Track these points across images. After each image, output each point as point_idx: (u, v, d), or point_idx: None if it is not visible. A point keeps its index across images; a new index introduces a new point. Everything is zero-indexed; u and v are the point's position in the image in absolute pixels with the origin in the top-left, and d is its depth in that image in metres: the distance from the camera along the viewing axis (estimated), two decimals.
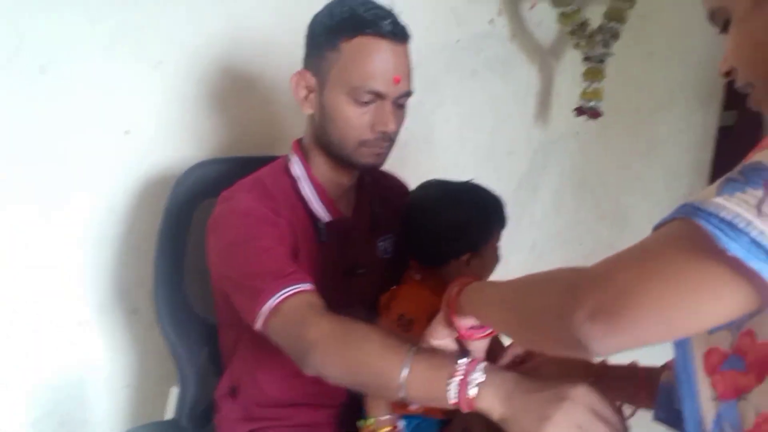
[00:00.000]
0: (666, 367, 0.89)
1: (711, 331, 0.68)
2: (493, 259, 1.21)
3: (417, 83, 1.08)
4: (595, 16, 1.76)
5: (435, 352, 0.86)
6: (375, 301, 1.21)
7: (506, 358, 0.95)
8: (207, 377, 1.22)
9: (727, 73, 0.73)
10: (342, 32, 1.01)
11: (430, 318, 0.91)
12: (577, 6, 1.68)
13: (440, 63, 1.69)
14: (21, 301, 1.18)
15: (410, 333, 1.07)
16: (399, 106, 1.07)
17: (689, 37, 2.21)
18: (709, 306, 0.57)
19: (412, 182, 1.29)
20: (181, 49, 1.27)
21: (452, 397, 0.77)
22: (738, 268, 0.53)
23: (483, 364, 0.78)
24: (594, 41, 1.71)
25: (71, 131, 1.18)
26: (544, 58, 1.92)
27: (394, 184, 1.31)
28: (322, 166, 1.12)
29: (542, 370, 0.92)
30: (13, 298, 1.18)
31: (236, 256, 0.99)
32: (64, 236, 1.21)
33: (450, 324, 0.85)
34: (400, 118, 1.09)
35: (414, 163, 1.67)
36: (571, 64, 1.87)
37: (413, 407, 0.98)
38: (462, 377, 0.77)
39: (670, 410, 0.84)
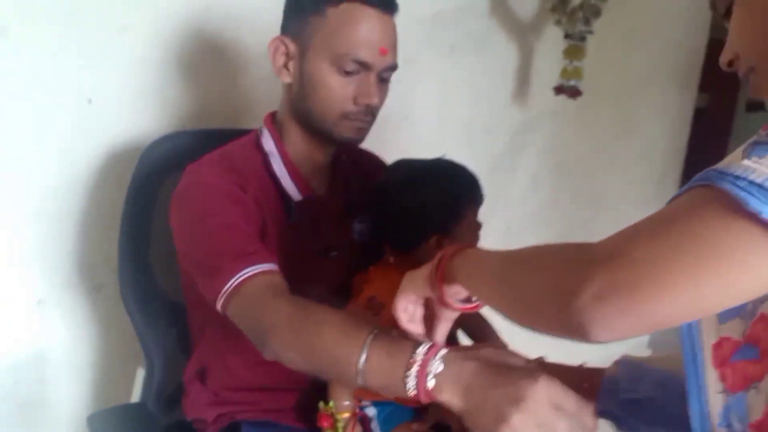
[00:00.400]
0: (615, 363, 0.87)
1: (722, 320, 0.64)
2: (470, 240, 1.18)
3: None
4: None
5: (394, 337, 0.80)
6: (347, 284, 1.18)
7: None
8: (175, 359, 1.19)
9: (730, 64, 0.71)
10: None
11: None
12: None
13: (418, 37, 1.65)
14: None
15: (380, 316, 1.04)
16: (383, 80, 1.05)
17: (668, 18, 2.20)
18: (743, 277, 0.51)
19: (389, 160, 1.25)
20: (147, 15, 1.21)
21: (411, 388, 0.73)
22: None
23: (442, 352, 0.74)
24: (575, 18, 1.69)
25: (30, 98, 1.12)
26: (524, 34, 1.89)
27: (372, 163, 1.27)
28: (296, 140, 1.08)
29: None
30: None
31: (197, 233, 0.96)
32: (21, 210, 1.16)
33: (434, 288, 0.79)
34: (383, 93, 1.06)
35: (391, 141, 1.63)
36: (551, 42, 1.84)
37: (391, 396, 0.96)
38: (420, 367, 0.73)
39: (612, 403, 0.82)
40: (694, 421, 0.66)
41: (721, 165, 0.53)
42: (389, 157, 1.27)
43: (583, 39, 1.72)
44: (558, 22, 1.71)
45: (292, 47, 1.03)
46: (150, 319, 1.15)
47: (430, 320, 0.84)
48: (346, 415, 0.99)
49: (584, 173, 2.28)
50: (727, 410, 0.64)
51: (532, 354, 0.86)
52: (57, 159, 1.18)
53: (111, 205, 1.20)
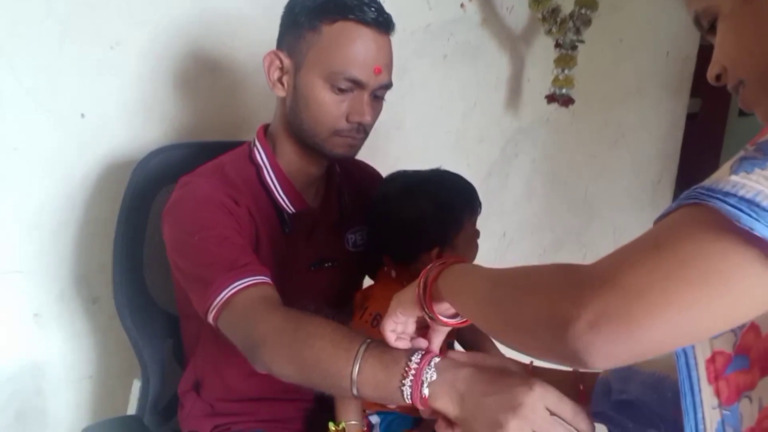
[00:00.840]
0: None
1: (714, 335, 0.63)
2: (470, 248, 1.17)
3: None
4: (566, 3, 1.75)
5: (386, 347, 0.79)
6: (343, 296, 1.18)
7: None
8: (170, 371, 1.19)
9: (717, 78, 0.71)
10: (324, 14, 0.97)
11: None
12: None
13: (411, 48, 1.67)
14: None
15: None
16: (377, 97, 1.04)
17: (658, 25, 2.22)
18: (739, 299, 0.50)
19: (382, 170, 1.26)
20: (141, 29, 1.22)
21: (406, 397, 0.74)
22: (766, 250, 0.47)
23: (436, 360, 0.75)
24: (565, 28, 1.70)
25: (25, 114, 1.13)
26: (515, 44, 1.90)
27: (366, 174, 1.27)
28: (289, 153, 1.08)
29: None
30: None
31: (189, 245, 0.96)
32: (16, 223, 1.16)
33: (423, 309, 0.78)
34: (377, 110, 1.05)
35: (384, 151, 1.64)
36: (543, 51, 1.86)
37: (391, 405, 0.96)
38: (414, 376, 0.74)
39: (605, 405, 0.81)
40: None
41: (708, 182, 0.52)
42: (383, 166, 1.28)
43: (574, 48, 1.73)
44: (549, 32, 1.73)
45: (286, 62, 1.03)
46: (145, 331, 1.15)
47: (422, 333, 0.83)
48: None
49: (577, 180, 2.29)
50: (721, 424, 0.63)
51: (526, 358, 0.87)
52: (51, 173, 1.18)
53: (106, 218, 1.20)
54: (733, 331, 0.62)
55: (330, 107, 1.00)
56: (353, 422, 0.99)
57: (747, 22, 0.64)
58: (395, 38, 1.05)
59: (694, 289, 0.49)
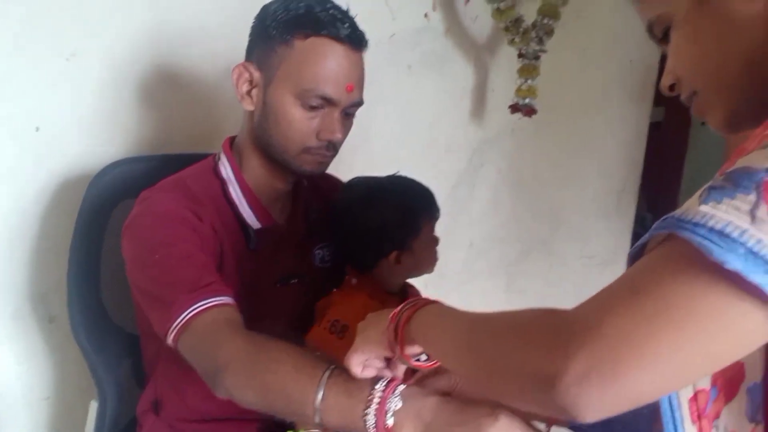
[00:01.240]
0: None
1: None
2: (428, 254, 1.18)
3: None
4: (529, 13, 1.76)
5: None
6: (310, 313, 1.16)
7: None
8: (129, 391, 1.17)
9: (671, 88, 0.71)
10: (297, 28, 0.96)
11: None
12: (512, 2, 1.68)
13: (376, 58, 1.65)
14: None
15: (344, 339, 1.03)
16: (347, 115, 1.03)
17: (621, 34, 2.25)
18: (726, 335, 0.48)
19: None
20: (98, 40, 1.19)
21: (370, 426, 0.72)
22: (742, 284, 0.46)
23: (401, 388, 0.74)
24: (528, 38, 1.71)
25: None
26: (480, 54, 1.91)
27: (334, 187, 1.26)
28: (256, 168, 1.06)
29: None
30: None
31: (150, 263, 0.93)
32: None
33: (393, 353, 0.75)
34: (347, 128, 1.04)
35: (349, 162, 1.63)
36: (507, 61, 1.87)
37: None
38: (378, 405, 0.72)
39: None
40: None
41: (679, 211, 0.51)
42: (348, 177, 1.26)
43: (537, 58, 1.74)
44: (512, 42, 1.74)
45: (256, 75, 1.01)
46: (102, 351, 1.12)
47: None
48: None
49: (543, 189, 2.30)
50: None
51: None
52: (5, 187, 1.14)
53: (63, 234, 1.17)
54: None
55: (300, 124, 0.99)
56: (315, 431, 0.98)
57: (699, 29, 0.64)
58: None
59: (679, 332, 0.48)
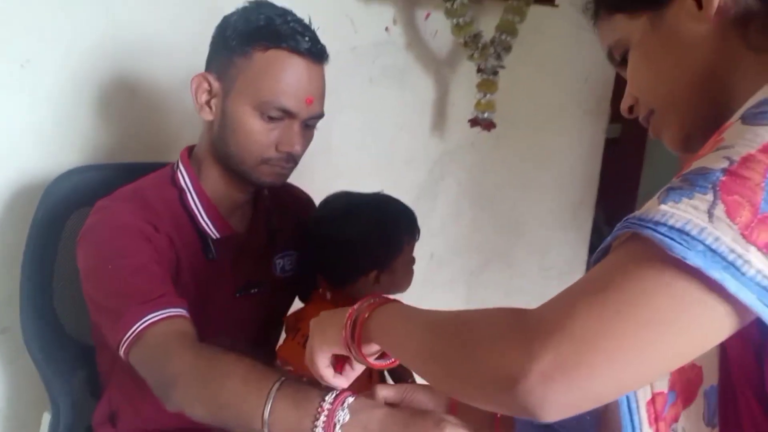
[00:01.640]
0: None
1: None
2: (406, 275, 1.19)
3: None
4: (488, 29, 1.80)
5: (300, 386, 0.78)
6: (270, 322, 1.16)
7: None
8: (82, 402, 1.14)
9: (630, 110, 0.73)
10: (257, 40, 0.96)
11: None
12: (470, 18, 1.71)
13: (337, 70, 1.66)
14: None
15: None
16: (308, 126, 1.03)
17: (577, 52, 2.30)
18: (689, 330, 0.49)
19: (310, 192, 1.25)
20: (53, 47, 1.18)
21: None
22: (702, 279, 0.47)
23: (349, 400, 0.74)
24: (487, 53, 1.74)
25: None
26: (440, 68, 1.94)
27: (296, 197, 1.26)
28: (215, 178, 1.06)
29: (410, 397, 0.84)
30: None
31: (104, 273, 0.92)
32: None
33: (350, 351, 0.74)
34: (307, 140, 1.04)
35: (310, 173, 1.63)
36: (466, 75, 1.90)
37: None
38: (327, 418, 0.72)
39: (528, 428, 0.82)
40: None
41: (640, 212, 0.52)
42: (310, 188, 1.27)
43: (495, 73, 1.77)
44: (471, 57, 1.77)
45: (215, 85, 1.00)
46: (55, 362, 1.10)
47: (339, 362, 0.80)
48: None
49: (503, 201, 2.34)
50: None
51: None
52: None
53: (15, 244, 1.15)
54: None
55: (259, 136, 0.98)
56: None
57: (653, 50, 0.67)
58: None
59: (643, 328, 0.49)
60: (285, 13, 0.99)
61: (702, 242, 0.47)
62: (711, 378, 0.68)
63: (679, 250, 0.47)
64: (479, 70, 1.78)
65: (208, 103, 1.01)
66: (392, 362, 0.77)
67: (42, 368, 1.10)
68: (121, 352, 0.88)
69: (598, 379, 0.50)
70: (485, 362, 0.55)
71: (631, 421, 0.63)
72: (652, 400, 0.64)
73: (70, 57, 1.20)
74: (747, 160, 0.49)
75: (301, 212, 1.23)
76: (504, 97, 1.86)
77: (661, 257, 0.48)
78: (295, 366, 1.06)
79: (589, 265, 0.57)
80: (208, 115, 1.02)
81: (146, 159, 1.28)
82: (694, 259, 0.47)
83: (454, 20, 1.70)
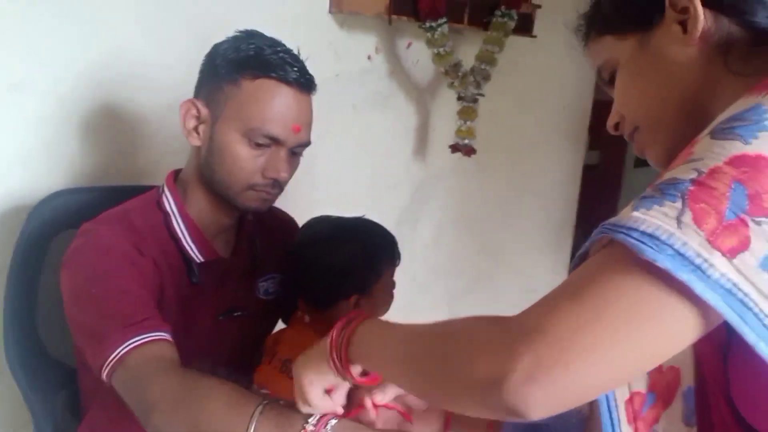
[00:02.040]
0: None
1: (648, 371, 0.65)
2: (386, 299, 1.19)
3: None
4: (468, 58, 1.84)
5: (282, 409, 0.77)
6: (253, 344, 1.16)
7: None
8: (65, 423, 1.13)
9: (616, 128, 0.76)
10: (245, 69, 0.98)
11: None
12: (450, 48, 1.75)
13: (321, 96, 1.70)
14: None
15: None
16: (294, 153, 1.05)
17: (555, 80, 2.36)
18: (661, 330, 0.52)
19: (294, 215, 1.26)
20: (41, 70, 1.20)
21: None
22: (671, 282, 0.50)
23: (332, 423, 0.75)
24: (467, 82, 1.78)
25: None
26: (422, 95, 1.98)
27: (280, 220, 1.27)
28: (200, 202, 1.07)
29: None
30: None
31: (87, 296, 0.92)
32: None
33: (339, 374, 0.74)
34: (293, 167, 1.06)
35: (294, 197, 1.65)
36: (447, 103, 1.94)
37: None
38: None
39: (515, 428, 0.83)
40: None
41: (614, 218, 0.55)
42: (294, 212, 1.28)
43: (475, 101, 1.81)
44: (451, 85, 1.81)
45: (204, 111, 1.02)
46: (38, 383, 1.10)
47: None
48: None
49: (484, 226, 2.36)
50: None
51: None
52: None
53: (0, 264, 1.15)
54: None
55: (246, 162, 1.00)
56: None
57: (640, 70, 0.70)
58: None
59: (617, 328, 0.51)
60: (275, 44, 1.01)
61: (671, 246, 0.50)
62: (688, 379, 0.70)
63: (650, 253, 0.50)
64: (460, 98, 1.82)
65: (195, 128, 1.03)
66: (375, 378, 0.77)
67: (24, 389, 1.09)
68: (104, 376, 0.87)
69: (579, 377, 0.52)
70: (469, 368, 0.56)
71: (611, 418, 0.66)
72: (630, 400, 0.66)
73: (58, 80, 1.22)
74: (714, 171, 0.52)
75: (285, 235, 1.23)
76: (484, 124, 1.90)
77: (633, 260, 0.51)
78: (271, 390, 1.06)
79: (570, 271, 0.60)
80: (195, 141, 1.03)
81: (131, 182, 1.29)
82: (664, 261, 0.49)
83: (435, 50, 1.74)
